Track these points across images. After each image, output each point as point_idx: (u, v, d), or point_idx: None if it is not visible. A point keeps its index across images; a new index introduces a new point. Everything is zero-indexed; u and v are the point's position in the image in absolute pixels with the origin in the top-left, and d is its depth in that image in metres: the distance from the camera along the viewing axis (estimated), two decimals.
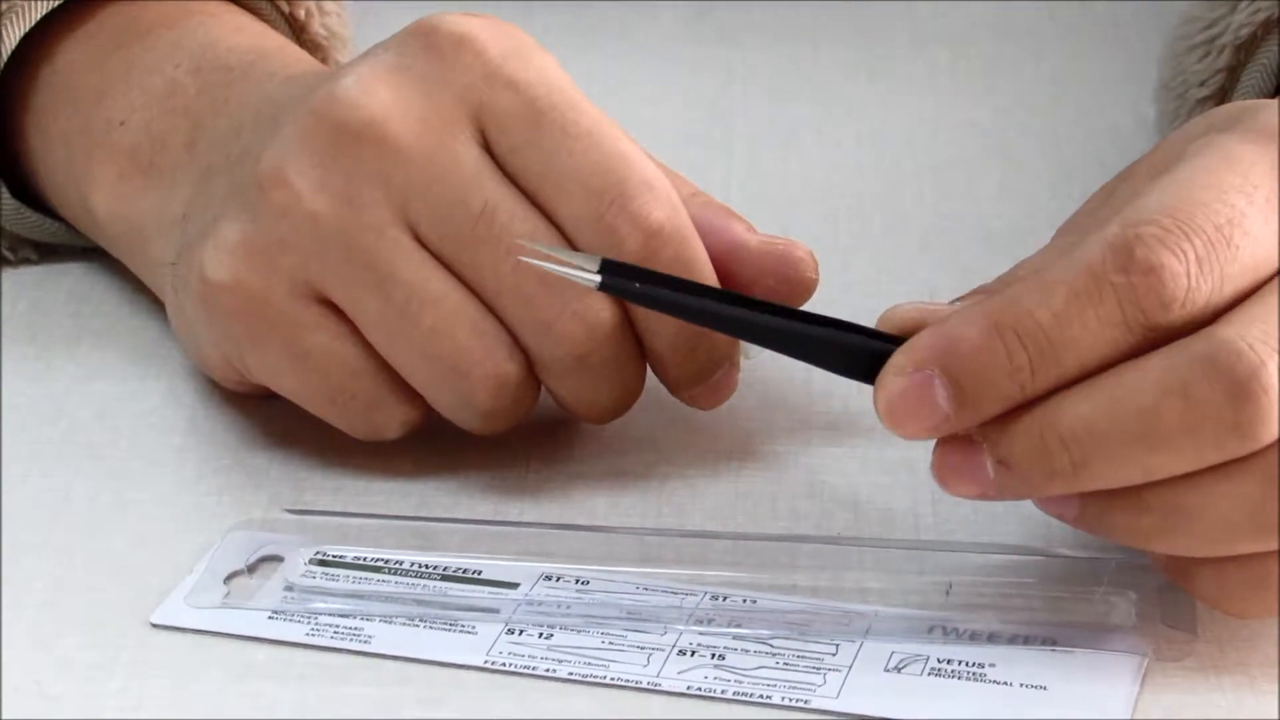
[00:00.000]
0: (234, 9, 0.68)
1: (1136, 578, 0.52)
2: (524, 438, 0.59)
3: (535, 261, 0.54)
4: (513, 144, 0.56)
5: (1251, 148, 0.51)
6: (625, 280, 0.53)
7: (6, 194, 0.68)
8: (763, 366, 0.59)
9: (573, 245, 0.55)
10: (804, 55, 0.82)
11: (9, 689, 0.50)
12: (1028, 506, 0.53)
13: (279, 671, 0.51)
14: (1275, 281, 0.50)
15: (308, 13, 0.70)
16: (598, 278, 0.53)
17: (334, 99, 0.57)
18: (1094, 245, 0.49)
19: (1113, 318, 0.49)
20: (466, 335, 0.55)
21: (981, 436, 0.50)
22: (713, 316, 0.54)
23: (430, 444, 0.59)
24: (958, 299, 0.53)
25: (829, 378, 0.56)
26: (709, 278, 0.56)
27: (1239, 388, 0.48)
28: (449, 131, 0.56)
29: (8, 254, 0.69)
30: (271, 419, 0.60)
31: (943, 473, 0.51)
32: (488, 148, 0.57)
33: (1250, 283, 0.50)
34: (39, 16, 0.66)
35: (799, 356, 0.53)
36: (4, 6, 0.66)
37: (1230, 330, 0.48)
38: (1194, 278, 0.49)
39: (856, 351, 0.52)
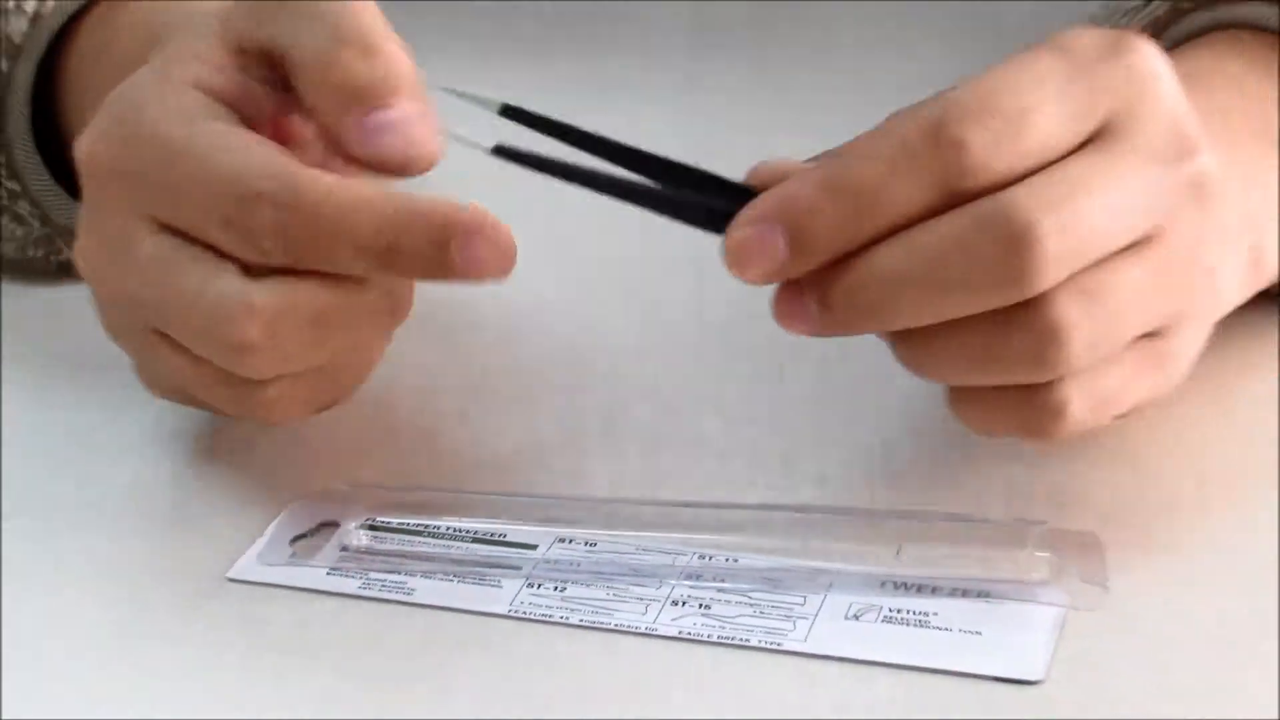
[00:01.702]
0: None
1: (1056, 540, 0.53)
2: (540, 427, 0.60)
3: (442, 90, 0.53)
4: None
5: (1055, 55, 0.52)
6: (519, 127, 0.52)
7: (67, 197, 0.67)
8: (754, 372, 0.60)
9: None
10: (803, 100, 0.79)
11: (113, 632, 0.52)
12: (966, 482, 0.56)
13: (335, 619, 0.52)
14: (1067, 159, 0.51)
15: None
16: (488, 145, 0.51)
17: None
18: (912, 121, 0.50)
19: (923, 181, 0.50)
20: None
21: (808, 282, 0.51)
22: (586, 175, 0.52)
23: (461, 428, 0.60)
24: (809, 159, 0.53)
25: (801, 376, 0.58)
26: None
27: (1013, 240, 0.49)
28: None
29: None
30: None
31: (779, 315, 0.52)
32: None
33: (1043, 159, 0.50)
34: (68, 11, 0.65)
35: (664, 214, 0.53)
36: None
37: (1012, 193, 0.50)
38: (991, 150, 0.50)
39: (715, 212, 0.51)
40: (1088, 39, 0.52)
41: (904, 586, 0.53)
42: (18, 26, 0.64)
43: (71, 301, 0.65)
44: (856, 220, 0.50)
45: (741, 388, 0.55)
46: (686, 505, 0.56)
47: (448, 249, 0.51)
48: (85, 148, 0.54)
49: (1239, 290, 0.58)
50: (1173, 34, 0.64)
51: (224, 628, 0.53)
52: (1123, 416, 0.54)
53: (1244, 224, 0.57)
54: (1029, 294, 0.50)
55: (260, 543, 0.55)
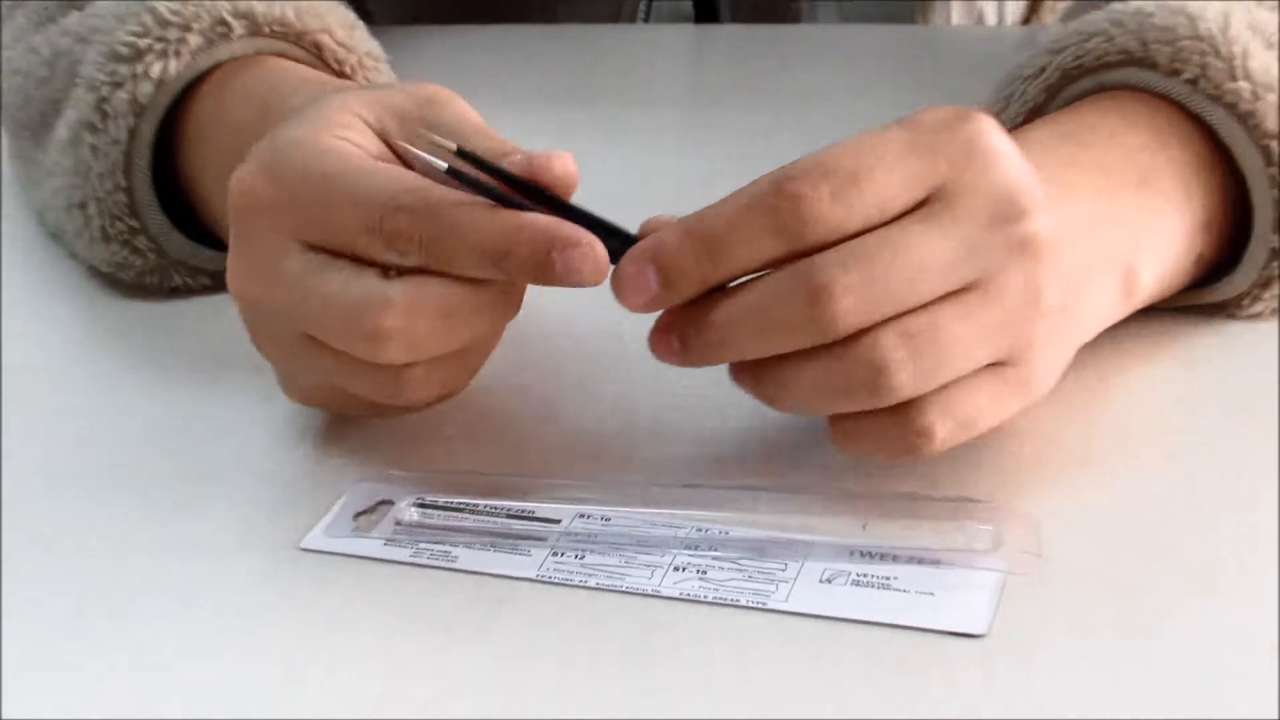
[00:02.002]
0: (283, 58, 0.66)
1: (996, 516, 0.53)
2: (561, 420, 0.60)
3: (411, 149, 0.53)
4: None
5: (900, 127, 0.52)
6: (466, 169, 0.52)
7: (180, 236, 0.67)
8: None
9: None
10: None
11: (207, 590, 0.52)
12: (921, 468, 0.55)
13: (390, 582, 0.52)
14: (891, 223, 0.51)
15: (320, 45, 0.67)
16: (444, 165, 0.52)
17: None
18: (763, 181, 0.51)
19: (764, 229, 0.50)
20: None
21: (672, 323, 0.52)
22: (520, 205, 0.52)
23: (495, 421, 0.60)
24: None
25: None
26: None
27: (811, 295, 0.50)
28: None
29: (188, 280, 0.68)
30: None
31: (653, 348, 0.53)
32: None
33: (877, 218, 0.51)
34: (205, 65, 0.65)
35: None
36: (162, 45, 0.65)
37: (822, 255, 0.50)
38: (826, 205, 0.50)
39: (613, 251, 0.52)
40: (934, 114, 0.52)
41: (869, 555, 0.53)
42: (145, 90, 0.64)
43: (177, 316, 0.66)
44: (710, 262, 0.51)
45: (733, 389, 0.54)
46: (687, 486, 0.56)
47: (550, 257, 0.51)
48: (241, 183, 0.54)
49: (1107, 313, 0.59)
50: (1065, 95, 0.64)
51: (297, 589, 0.53)
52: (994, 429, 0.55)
53: (1113, 259, 0.58)
54: (832, 338, 0.50)
55: (327, 518, 0.55)
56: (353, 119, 0.55)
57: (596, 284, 0.52)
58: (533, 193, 0.52)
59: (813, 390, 0.52)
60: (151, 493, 0.57)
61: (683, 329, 0.52)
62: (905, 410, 0.52)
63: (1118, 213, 0.59)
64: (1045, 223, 0.52)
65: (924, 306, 0.51)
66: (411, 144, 0.54)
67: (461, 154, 0.52)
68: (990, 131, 0.52)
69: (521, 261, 0.51)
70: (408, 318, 0.51)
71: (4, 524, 0.55)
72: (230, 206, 0.54)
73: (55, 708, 0.48)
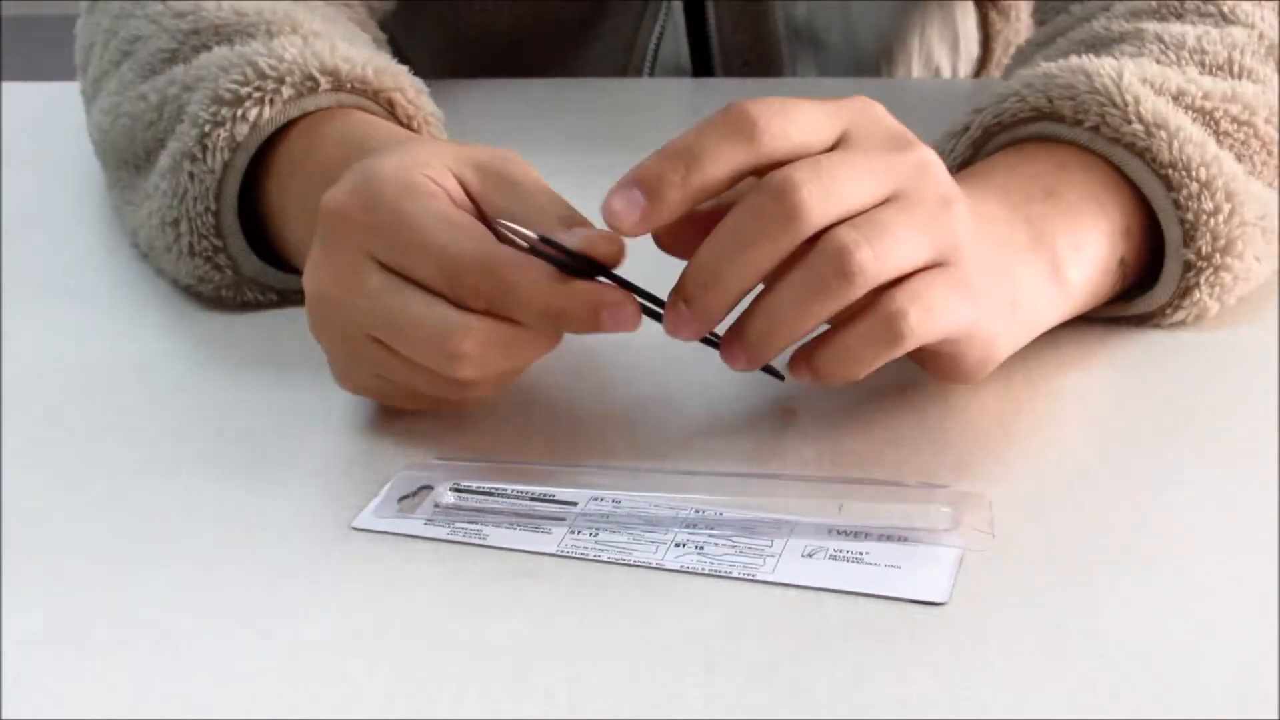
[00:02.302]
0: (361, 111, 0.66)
1: (955, 499, 0.53)
2: (578, 415, 0.60)
3: (505, 225, 0.53)
4: None
5: (809, 99, 0.53)
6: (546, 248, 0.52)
7: (255, 257, 0.67)
8: (734, 377, 0.58)
9: None
10: None
11: (271, 564, 0.52)
12: (890, 457, 0.55)
13: (430, 556, 0.52)
14: (825, 152, 0.52)
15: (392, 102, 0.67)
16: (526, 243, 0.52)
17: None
18: (718, 110, 0.52)
19: (725, 136, 0.51)
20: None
21: (678, 291, 0.52)
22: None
23: (521, 416, 0.59)
24: None
25: (768, 382, 0.58)
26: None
27: (782, 192, 0.51)
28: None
29: (258, 296, 0.67)
30: None
31: (669, 323, 0.52)
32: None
33: (802, 143, 0.52)
34: (294, 113, 0.65)
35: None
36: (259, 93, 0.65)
37: (783, 168, 0.51)
38: (776, 125, 0.51)
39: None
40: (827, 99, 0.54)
41: (844, 533, 0.53)
42: (241, 130, 0.65)
43: (247, 327, 0.66)
44: (685, 169, 0.52)
45: (725, 387, 0.55)
46: (686, 473, 0.56)
47: (599, 317, 0.52)
48: (332, 201, 0.55)
49: (1042, 293, 0.59)
50: (987, 149, 0.65)
51: (350, 563, 0.53)
52: (950, 350, 0.54)
53: (1033, 244, 0.59)
54: (804, 227, 0.51)
55: (375, 501, 0.55)
56: (439, 163, 0.55)
57: (633, 330, 0.53)
58: (584, 260, 0.53)
59: (791, 304, 0.52)
60: (225, 477, 0.57)
61: (675, 299, 0.52)
62: (876, 304, 0.52)
63: (1030, 214, 0.60)
64: (929, 152, 0.54)
65: (862, 211, 0.52)
66: (493, 209, 0.55)
67: (542, 239, 0.53)
68: (874, 103, 0.55)
69: (575, 319, 0.53)
70: (482, 345, 0.53)
71: (101, 500, 0.56)
72: (321, 220, 0.55)
73: (143, 662, 0.49)
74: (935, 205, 0.53)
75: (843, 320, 0.53)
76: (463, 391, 0.56)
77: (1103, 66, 0.63)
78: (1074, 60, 0.64)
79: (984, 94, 0.66)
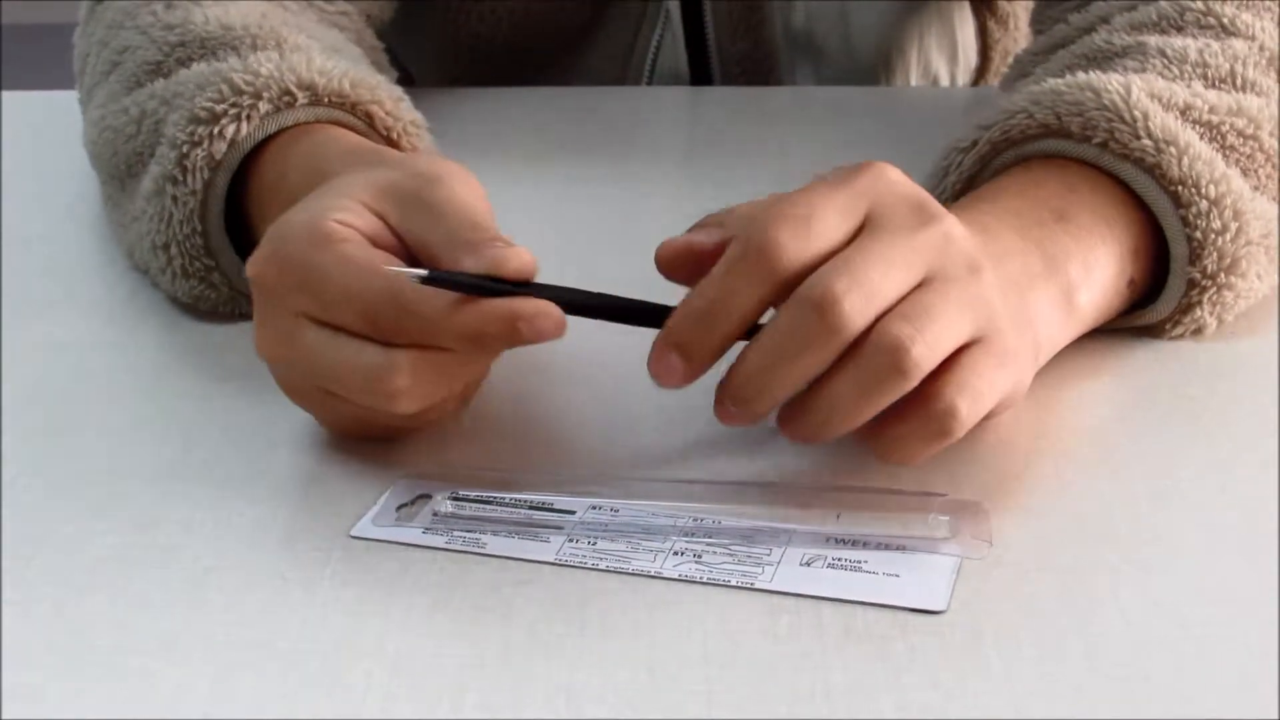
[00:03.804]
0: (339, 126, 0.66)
1: (953, 508, 0.54)
2: (575, 426, 0.60)
3: (395, 269, 0.53)
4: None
5: (819, 180, 0.54)
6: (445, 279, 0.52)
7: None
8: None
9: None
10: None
11: (270, 572, 0.52)
12: (888, 466, 0.54)
13: (428, 565, 0.52)
14: (846, 246, 0.52)
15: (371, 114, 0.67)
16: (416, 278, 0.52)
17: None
18: (735, 242, 0.53)
19: (749, 281, 0.52)
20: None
21: (720, 391, 0.53)
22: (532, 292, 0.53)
23: (518, 426, 0.60)
24: (702, 219, 0.55)
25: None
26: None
27: (820, 306, 0.50)
28: None
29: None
30: None
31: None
32: None
33: (827, 246, 0.52)
34: (272, 129, 0.65)
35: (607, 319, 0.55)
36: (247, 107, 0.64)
37: (815, 274, 0.51)
38: (793, 244, 0.52)
39: (642, 313, 0.54)
40: (837, 170, 0.54)
41: (843, 542, 0.53)
42: (219, 148, 0.64)
43: (245, 338, 0.64)
44: (715, 326, 0.52)
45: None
46: (685, 482, 0.56)
47: (518, 328, 0.52)
48: (253, 269, 0.56)
49: (1056, 321, 0.59)
50: (993, 165, 0.65)
51: (349, 571, 0.53)
52: (992, 415, 0.55)
53: (1047, 274, 0.59)
54: (847, 338, 0.51)
55: (374, 510, 0.55)
56: (353, 204, 0.56)
57: (559, 336, 0.52)
58: (499, 280, 0.53)
59: (850, 399, 0.52)
60: (223, 486, 0.57)
61: (722, 398, 0.53)
62: (929, 400, 0.52)
63: (1042, 239, 0.60)
64: (953, 223, 0.54)
65: (903, 297, 0.52)
66: (411, 239, 0.55)
67: (429, 279, 0.52)
68: (889, 169, 0.54)
69: (495, 337, 0.52)
70: (413, 378, 0.53)
71: (100, 508, 0.56)
72: (252, 287, 0.56)
73: (142, 670, 0.48)
74: (967, 278, 0.53)
75: (891, 415, 0.52)
76: (420, 420, 0.56)
77: (1110, 82, 0.63)
78: (1081, 76, 0.64)
79: (990, 109, 0.66)
